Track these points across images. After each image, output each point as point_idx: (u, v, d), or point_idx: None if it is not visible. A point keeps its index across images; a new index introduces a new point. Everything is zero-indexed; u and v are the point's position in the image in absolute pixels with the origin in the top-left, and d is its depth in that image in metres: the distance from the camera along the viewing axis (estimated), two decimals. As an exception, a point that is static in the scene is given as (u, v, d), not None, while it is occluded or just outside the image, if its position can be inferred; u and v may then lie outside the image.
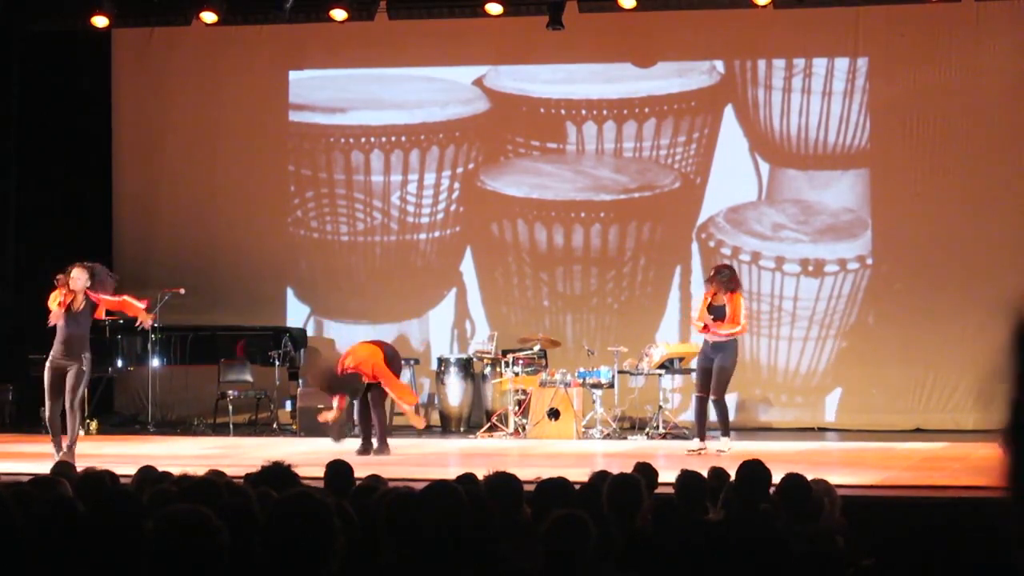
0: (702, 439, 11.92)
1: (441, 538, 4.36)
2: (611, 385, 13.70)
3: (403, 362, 13.40)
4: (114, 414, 15.47)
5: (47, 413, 11.50)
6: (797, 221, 14.91)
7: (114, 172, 16.15)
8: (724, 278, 11.99)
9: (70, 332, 11.30)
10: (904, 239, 14.59)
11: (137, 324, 12.01)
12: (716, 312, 12.01)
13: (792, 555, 5.10)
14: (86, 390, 11.73)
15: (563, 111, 15.41)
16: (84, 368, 11.33)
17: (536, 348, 14.22)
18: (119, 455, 11.28)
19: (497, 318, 15.37)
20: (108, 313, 12.11)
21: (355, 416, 12.32)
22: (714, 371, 12.07)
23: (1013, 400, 2.24)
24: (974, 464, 10.49)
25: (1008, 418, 2.25)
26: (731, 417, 12.38)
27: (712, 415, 12.12)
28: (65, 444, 11.21)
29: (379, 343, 12.24)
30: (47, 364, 11.40)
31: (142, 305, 11.77)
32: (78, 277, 11.35)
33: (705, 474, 6.66)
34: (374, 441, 11.92)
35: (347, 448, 11.67)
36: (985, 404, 10.62)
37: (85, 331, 11.42)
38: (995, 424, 2.36)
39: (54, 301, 11.31)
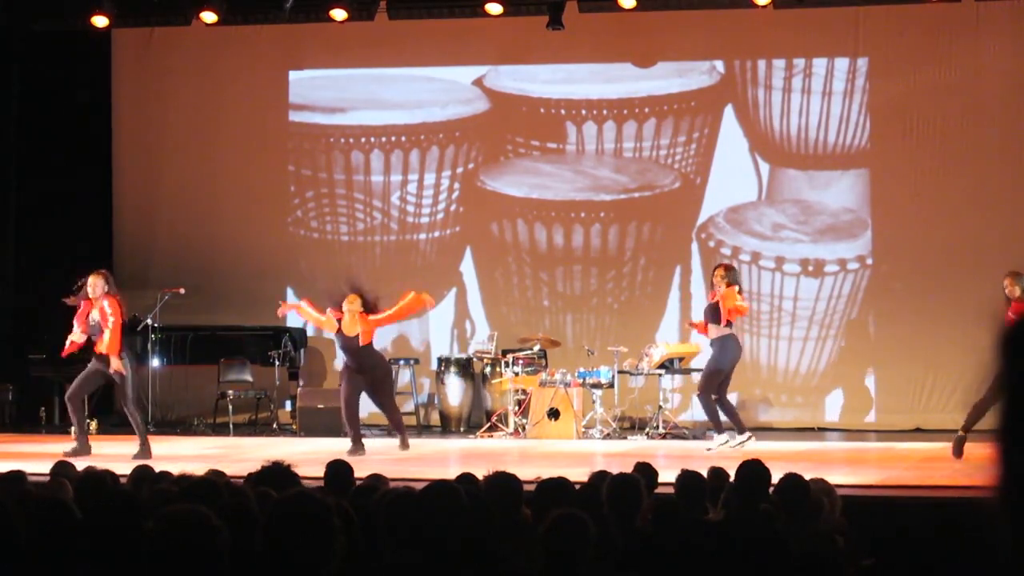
0: (741, 432, 12.16)
1: (441, 538, 4.36)
2: (611, 385, 13.70)
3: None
4: (114, 414, 15.43)
5: (68, 393, 11.84)
6: (797, 221, 14.91)
7: (114, 172, 16.16)
8: (727, 275, 12.19)
9: (98, 343, 11.55)
10: (904, 239, 14.59)
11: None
12: (712, 313, 12.21)
13: (792, 555, 5.10)
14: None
15: (563, 111, 15.41)
16: (124, 370, 11.62)
17: (536, 348, 14.22)
18: (119, 455, 11.28)
19: (497, 318, 15.37)
20: None
21: (344, 417, 12.34)
22: (705, 366, 12.26)
23: (1001, 403, 2.26)
24: (974, 464, 10.49)
25: (997, 421, 2.27)
26: (722, 416, 12.39)
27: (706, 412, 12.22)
28: (137, 444, 11.64)
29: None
30: (124, 362, 11.69)
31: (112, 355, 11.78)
32: (95, 284, 11.45)
33: (705, 474, 6.66)
34: (364, 442, 12.05)
35: (340, 449, 11.66)
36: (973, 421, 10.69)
37: (125, 335, 11.67)
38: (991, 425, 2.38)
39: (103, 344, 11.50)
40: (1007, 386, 2.25)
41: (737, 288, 12.25)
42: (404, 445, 12.19)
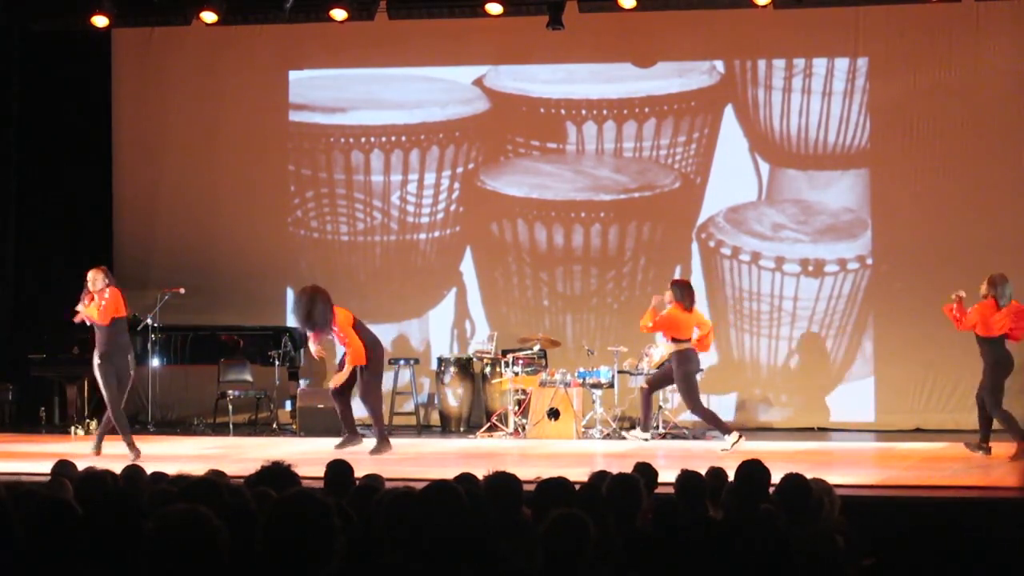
0: (645, 429, 12.77)
1: (441, 538, 4.36)
2: (611, 385, 13.71)
3: (387, 361, 13.60)
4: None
5: (112, 411, 11.68)
6: (797, 221, 14.91)
7: (114, 172, 16.15)
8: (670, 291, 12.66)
9: (104, 335, 11.58)
10: (904, 239, 14.59)
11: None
12: None
13: (792, 555, 5.09)
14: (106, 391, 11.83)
15: (563, 111, 15.41)
16: (131, 371, 11.76)
17: (536, 348, 14.22)
18: (119, 455, 11.28)
19: (497, 318, 15.37)
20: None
21: (337, 411, 12.32)
22: (677, 385, 12.58)
23: None
24: (974, 464, 10.50)
25: None
26: (728, 417, 12.42)
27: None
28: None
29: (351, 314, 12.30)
30: (98, 364, 11.58)
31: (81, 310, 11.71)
32: (94, 278, 11.53)
33: (704, 474, 6.66)
34: (362, 432, 11.96)
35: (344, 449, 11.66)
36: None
37: (120, 332, 11.61)
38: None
39: (89, 308, 11.51)
40: None
41: (683, 303, 12.43)
42: (379, 449, 11.84)
